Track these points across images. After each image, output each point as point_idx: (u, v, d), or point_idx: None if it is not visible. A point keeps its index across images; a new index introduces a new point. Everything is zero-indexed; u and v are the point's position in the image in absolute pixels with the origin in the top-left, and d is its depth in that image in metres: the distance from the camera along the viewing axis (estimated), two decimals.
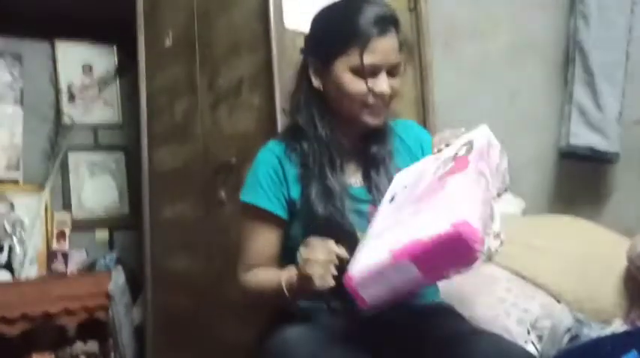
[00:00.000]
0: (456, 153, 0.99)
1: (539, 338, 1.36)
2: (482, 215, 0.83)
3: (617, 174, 1.78)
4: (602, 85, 1.73)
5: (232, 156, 1.89)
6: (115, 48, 3.27)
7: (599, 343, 1.26)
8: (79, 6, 2.85)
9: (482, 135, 1.04)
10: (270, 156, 1.24)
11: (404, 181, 1.10)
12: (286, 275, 1.08)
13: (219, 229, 1.96)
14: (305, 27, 1.81)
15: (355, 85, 1.14)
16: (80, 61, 3.20)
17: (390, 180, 1.18)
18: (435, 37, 2.14)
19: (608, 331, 1.33)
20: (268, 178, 1.21)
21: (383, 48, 1.12)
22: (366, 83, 1.13)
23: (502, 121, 2.01)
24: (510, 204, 1.90)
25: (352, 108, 1.17)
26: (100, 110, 3.22)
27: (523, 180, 1.94)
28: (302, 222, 1.18)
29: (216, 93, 2.01)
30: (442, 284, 1.29)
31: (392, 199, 1.06)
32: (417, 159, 1.25)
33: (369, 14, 1.12)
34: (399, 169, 1.20)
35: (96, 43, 3.23)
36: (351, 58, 1.12)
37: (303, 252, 1.02)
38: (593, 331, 1.34)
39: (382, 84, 1.13)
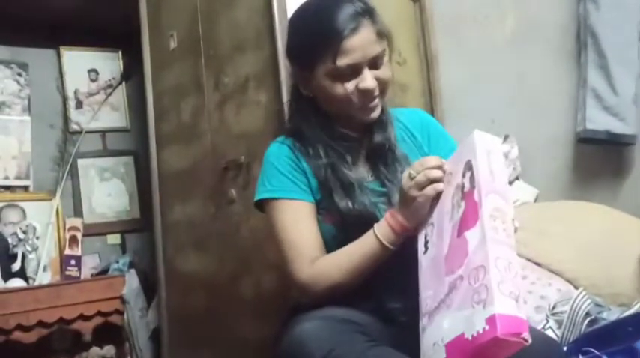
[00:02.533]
0: (463, 184, 0.94)
1: (558, 323, 1.35)
2: (512, 279, 0.81)
3: (633, 157, 1.76)
4: (615, 68, 1.72)
5: (241, 154, 1.88)
6: (119, 53, 3.28)
7: (618, 325, 1.25)
8: (82, 13, 2.87)
9: (478, 146, 0.95)
10: (283, 148, 1.22)
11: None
12: (378, 230, 1.05)
13: (231, 227, 1.96)
14: None
15: (338, 89, 1.11)
16: (86, 67, 3.21)
17: (398, 170, 1.16)
18: (440, 27, 2.13)
19: (627, 314, 1.31)
20: (289, 168, 1.18)
21: (357, 45, 1.09)
22: (350, 84, 1.10)
23: (512, 109, 2.01)
24: (523, 192, 1.89)
25: (344, 110, 1.15)
26: (107, 115, 3.23)
27: (536, 167, 1.94)
28: (327, 219, 1.15)
29: (222, 92, 2.01)
30: None
31: (426, 245, 1.02)
32: (423, 148, 1.24)
33: (336, 15, 1.08)
34: (406, 158, 1.19)
35: (101, 49, 3.24)
36: (328, 64, 1.10)
37: (407, 183, 1.00)
38: (612, 315, 1.33)
39: (366, 81, 1.10)
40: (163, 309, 2.42)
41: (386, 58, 1.14)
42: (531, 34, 1.96)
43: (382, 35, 1.13)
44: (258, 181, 1.23)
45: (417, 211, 1.01)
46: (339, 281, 1.07)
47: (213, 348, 2.11)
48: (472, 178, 0.92)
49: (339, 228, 1.13)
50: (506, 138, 1.96)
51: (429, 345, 0.90)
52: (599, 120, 1.74)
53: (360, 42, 1.09)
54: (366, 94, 1.12)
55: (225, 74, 1.98)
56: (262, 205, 1.21)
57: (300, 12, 1.20)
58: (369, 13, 1.12)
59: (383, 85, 1.14)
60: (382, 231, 1.05)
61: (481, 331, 0.77)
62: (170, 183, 2.37)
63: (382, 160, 1.19)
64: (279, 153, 1.21)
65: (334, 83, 1.11)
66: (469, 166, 0.93)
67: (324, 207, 1.16)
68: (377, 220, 1.10)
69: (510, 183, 1.92)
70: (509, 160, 1.94)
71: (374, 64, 1.11)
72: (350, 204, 1.12)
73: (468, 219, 0.89)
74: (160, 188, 2.43)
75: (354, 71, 1.10)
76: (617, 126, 1.71)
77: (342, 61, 1.08)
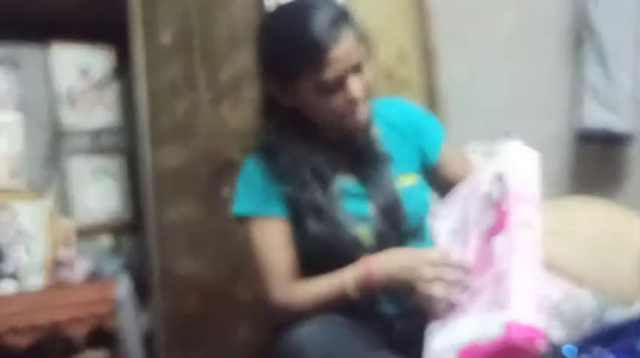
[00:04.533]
0: (492, 193, 0.93)
1: (563, 322, 1.34)
2: (535, 291, 0.81)
3: (633, 153, 1.77)
4: (614, 64, 1.73)
5: (236, 152, 1.86)
6: (112, 49, 3.25)
7: (623, 324, 1.24)
8: (73, 10, 2.84)
9: (512, 156, 0.97)
10: (259, 161, 1.18)
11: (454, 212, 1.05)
12: (352, 276, 1.03)
13: (225, 228, 1.94)
14: None
15: (325, 101, 1.07)
16: (77, 65, 3.18)
17: (380, 169, 1.14)
18: (440, 23, 2.12)
19: (631, 312, 1.31)
20: (264, 182, 1.15)
21: (340, 56, 1.03)
22: (335, 97, 1.06)
23: (512, 105, 2.01)
24: None
25: (330, 121, 1.11)
26: (99, 114, 3.19)
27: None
28: (304, 239, 1.13)
29: (216, 89, 2.01)
30: None
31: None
32: (410, 138, 1.21)
33: (314, 26, 1.02)
34: (388, 156, 1.16)
35: (92, 46, 3.21)
36: (310, 78, 1.04)
37: (426, 270, 0.96)
38: (617, 313, 1.33)
39: (352, 90, 1.05)
40: (157, 312, 2.41)
41: (365, 62, 1.09)
42: (531, 30, 1.97)
43: (362, 38, 1.09)
44: (235, 195, 1.20)
45: (403, 291, 1.00)
46: (305, 311, 1.04)
47: (207, 351, 2.10)
48: (503, 188, 0.91)
49: (314, 244, 1.10)
50: (507, 134, 1.95)
51: (438, 349, 0.90)
52: (597, 117, 1.75)
53: (342, 52, 1.03)
54: (352, 103, 1.07)
55: (220, 71, 1.98)
56: (240, 219, 1.18)
57: (271, 23, 1.14)
58: (345, 17, 1.06)
59: (368, 87, 1.10)
60: (353, 281, 1.03)
61: (496, 336, 0.78)
62: (164, 183, 2.37)
63: (364, 162, 1.16)
64: (255, 166, 1.18)
65: (320, 96, 1.06)
66: (500, 176, 0.93)
67: (299, 224, 1.13)
68: (351, 241, 1.08)
69: None
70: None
71: (357, 69, 1.07)
72: (320, 227, 1.09)
73: (497, 227, 0.89)
74: (153, 188, 2.42)
75: (339, 81, 1.05)
76: (615, 123, 1.74)
77: (327, 75, 1.03)
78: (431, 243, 1.24)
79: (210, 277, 2.07)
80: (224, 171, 1.93)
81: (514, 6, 2.00)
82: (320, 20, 1.02)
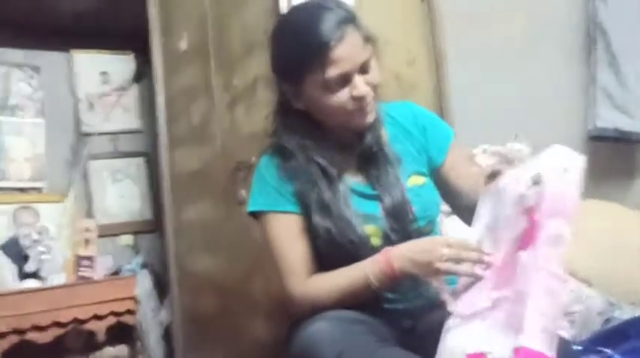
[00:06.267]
0: (527, 196, 0.87)
1: (571, 323, 1.35)
2: (553, 313, 0.79)
3: None
4: (625, 66, 1.72)
5: (251, 154, 1.88)
6: (131, 55, 3.30)
7: (631, 324, 1.24)
8: (94, 16, 2.90)
9: (554, 161, 0.89)
10: (273, 160, 1.21)
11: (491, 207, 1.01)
12: (372, 267, 1.05)
13: (241, 228, 1.96)
14: None
15: (332, 99, 1.10)
16: (97, 69, 3.24)
17: (389, 171, 1.16)
18: (449, 26, 2.12)
19: (639, 312, 1.31)
20: (279, 179, 1.18)
21: (345, 54, 1.06)
22: (343, 93, 1.09)
23: (522, 107, 2.00)
24: None
25: (338, 120, 1.14)
26: (119, 117, 3.26)
27: None
28: (315, 236, 1.15)
29: (232, 93, 2.02)
30: None
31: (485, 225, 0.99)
32: (418, 140, 1.23)
33: (319, 26, 1.06)
34: (397, 158, 1.18)
35: (112, 52, 3.27)
36: (318, 76, 1.08)
37: (445, 250, 0.98)
38: (625, 313, 1.33)
39: (359, 87, 1.09)
40: (175, 309, 2.43)
41: (374, 62, 1.12)
42: (541, 33, 1.96)
43: (368, 39, 1.12)
44: (250, 193, 1.23)
45: (425, 275, 1.01)
46: (326, 304, 1.06)
47: (224, 348, 2.12)
48: (539, 195, 0.86)
49: (324, 242, 1.13)
50: (516, 136, 1.95)
51: (449, 347, 0.90)
52: (609, 118, 1.74)
53: (347, 50, 1.07)
54: (359, 101, 1.10)
55: (235, 76, 2.00)
56: (255, 215, 1.22)
57: (282, 26, 1.18)
58: (351, 19, 1.10)
59: (374, 88, 1.12)
60: (374, 272, 1.05)
61: None
62: (181, 184, 2.39)
63: (373, 162, 1.18)
64: (269, 164, 1.21)
65: (326, 94, 1.09)
66: (538, 180, 0.87)
67: (310, 221, 1.16)
68: (359, 239, 1.10)
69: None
70: (522, 159, 1.93)
71: (363, 69, 1.10)
72: (328, 225, 1.11)
73: (526, 238, 0.85)
74: (171, 189, 2.45)
75: (345, 80, 1.08)
76: (627, 124, 1.72)
77: (332, 72, 1.07)
78: None
79: (227, 275, 2.08)
80: (239, 172, 1.96)
81: (524, 9, 1.99)
82: (326, 20, 1.07)
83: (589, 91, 1.79)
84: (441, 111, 2.05)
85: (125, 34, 2.91)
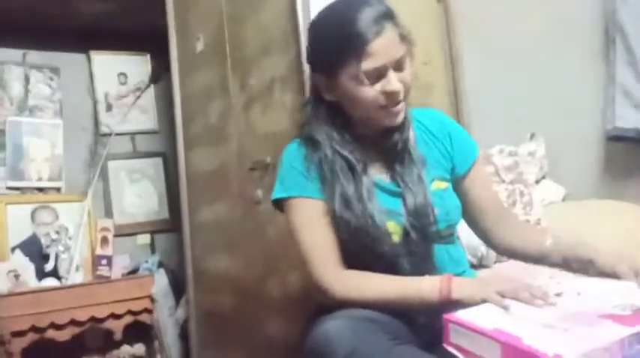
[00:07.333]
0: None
1: None
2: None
3: None
4: None
5: (267, 155, 1.90)
6: (148, 56, 3.34)
7: None
8: (112, 18, 2.93)
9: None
10: (300, 149, 1.22)
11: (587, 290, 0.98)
12: (432, 286, 1.05)
13: (257, 228, 1.98)
14: None
15: (365, 92, 1.11)
16: (115, 70, 3.28)
17: (414, 171, 1.17)
18: (465, 26, 2.11)
19: None
20: (305, 167, 1.19)
21: (382, 48, 1.08)
22: (375, 88, 1.10)
23: (539, 107, 1.99)
24: (551, 191, 1.87)
25: (370, 114, 1.15)
26: (136, 118, 3.29)
27: (566, 166, 1.92)
28: (336, 228, 1.15)
29: (248, 93, 2.03)
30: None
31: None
32: (444, 147, 1.24)
33: (359, 18, 1.08)
34: (423, 160, 1.19)
35: (130, 53, 3.31)
36: (353, 68, 1.09)
37: (505, 285, 0.98)
38: None
39: (392, 83, 1.10)
40: (192, 308, 2.45)
41: (408, 61, 1.13)
42: (558, 32, 1.94)
43: (404, 38, 1.13)
44: (276, 181, 1.24)
45: (472, 299, 0.99)
46: (366, 304, 1.06)
47: (240, 346, 2.13)
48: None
49: (344, 235, 1.13)
50: (532, 136, 1.94)
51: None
52: (629, 118, 1.71)
53: (384, 44, 1.08)
54: (392, 97, 1.11)
55: (251, 76, 2.01)
56: (281, 205, 1.22)
57: (321, 17, 1.19)
58: (391, 15, 1.12)
59: (406, 87, 1.14)
60: (431, 291, 1.04)
61: (540, 352, 0.76)
62: (198, 184, 2.41)
63: (399, 161, 1.19)
64: (296, 153, 1.22)
65: (360, 87, 1.11)
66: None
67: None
68: (380, 233, 1.11)
69: (537, 181, 1.90)
70: (536, 159, 1.92)
71: (398, 66, 1.11)
72: (350, 217, 1.12)
73: (621, 319, 0.83)
74: (188, 189, 2.47)
75: (380, 74, 1.10)
76: None
77: (368, 65, 1.08)
78: (458, 249, 1.27)
79: (243, 275, 2.10)
80: (255, 172, 1.97)
81: (541, 8, 1.97)
82: (366, 14, 1.08)
83: (608, 91, 1.77)
84: (457, 111, 2.05)
85: (142, 35, 2.93)
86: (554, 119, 1.94)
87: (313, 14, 1.73)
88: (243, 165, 2.04)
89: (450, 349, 0.91)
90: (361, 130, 1.20)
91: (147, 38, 2.92)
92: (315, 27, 1.19)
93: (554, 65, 1.95)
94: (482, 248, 1.59)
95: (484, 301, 0.97)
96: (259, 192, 1.95)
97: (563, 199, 1.87)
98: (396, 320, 1.08)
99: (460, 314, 0.93)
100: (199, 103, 2.36)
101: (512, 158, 1.81)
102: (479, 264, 1.65)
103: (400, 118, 1.16)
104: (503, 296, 0.95)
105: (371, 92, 1.11)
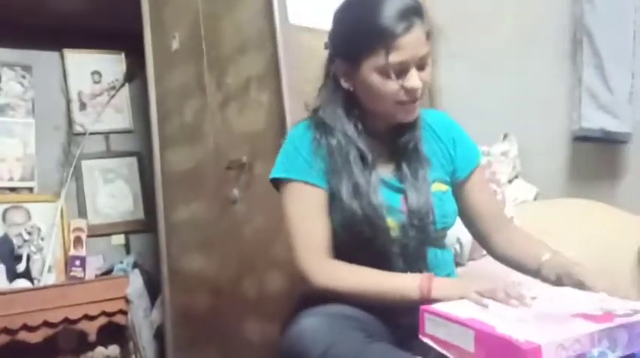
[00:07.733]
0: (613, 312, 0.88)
1: None
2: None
3: (630, 155, 1.78)
4: (611, 67, 1.73)
5: (243, 154, 1.90)
6: (122, 54, 3.30)
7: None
8: (85, 15, 2.89)
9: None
10: (308, 132, 1.21)
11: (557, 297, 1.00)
12: (414, 283, 1.05)
13: (234, 227, 1.98)
14: (309, 22, 1.82)
15: (385, 85, 1.11)
16: (89, 69, 3.23)
17: (419, 169, 1.18)
18: (440, 27, 2.13)
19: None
20: (310, 151, 1.18)
21: (409, 44, 1.08)
22: (397, 82, 1.10)
23: (511, 108, 2.03)
24: (523, 190, 1.90)
25: (385, 108, 1.15)
26: (110, 117, 3.25)
27: (536, 166, 1.95)
28: (335, 215, 1.16)
29: (224, 92, 2.03)
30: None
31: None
32: (448, 150, 1.25)
33: (391, 10, 1.07)
34: (428, 159, 1.20)
35: (104, 51, 3.27)
36: (379, 59, 1.09)
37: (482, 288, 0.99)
38: None
39: (413, 80, 1.10)
40: (167, 309, 2.44)
41: (429, 61, 1.14)
42: (529, 34, 1.98)
43: (429, 36, 1.13)
44: (277, 159, 1.22)
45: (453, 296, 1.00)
46: (344, 291, 1.08)
47: (216, 347, 2.13)
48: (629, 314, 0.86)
49: (345, 224, 1.14)
50: (505, 136, 1.98)
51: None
52: (594, 119, 1.75)
53: (413, 40, 1.08)
54: (411, 93, 1.11)
55: (228, 75, 2.00)
56: (277, 184, 1.22)
57: (352, 3, 1.18)
58: (421, 12, 1.12)
59: (425, 86, 1.14)
60: (413, 289, 1.05)
61: (514, 339, 0.78)
62: (174, 184, 2.40)
63: (405, 158, 1.20)
64: (302, 135, 1.21)
65: (381, 79, 1.10)
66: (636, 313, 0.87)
67: (333, 199, 1.16)
68: (382, 224, 1.12)
69: (510, 181, 1.94)
70: (509, 159, 1.95)
71: (421, 64, 1.11)
72: (355, 207, 1.12)
73: (592, 317, 0.85)
74: (163, 189, 2.46)
75: (403, 69, 1.10)
76: (612, 125, 1.73)
77: (395, 58, 1.08)
78: (447, 251, 1.28)
79: (219, 275, 2.09)
80: (232, 172, 1.96)
81: (512, 11, 2.01)
82: (395, 7, 1.08)
83: (575, 92, 1.81)
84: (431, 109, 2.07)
85: (117, 33, 2.90)
86: (525, 120, 1.98)
87: (290, 13, 1.77)
88: (220, 165, 2.03)
89: (426, 340, 0.93)
90: (372, 124, 1.20)
91: (121, 36, 2.89)
92: (344, 12, 1.18)
93: (525, 67, 1.99)
94: (457, 246, 1.61)
95: (464, 291, 0.99)
96: (235, 192, 1.95)
97: (535, 198, 1.91)
98: (373, 318, 1.09)
99: (437, 305, 0.95)
100: (175, 102, 2.35)
101: (486, 158, 1.84)
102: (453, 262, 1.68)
103: (415, 115, 1.17)
104: (482, 295, 0.97)
105: (392, 85, 1.10)
